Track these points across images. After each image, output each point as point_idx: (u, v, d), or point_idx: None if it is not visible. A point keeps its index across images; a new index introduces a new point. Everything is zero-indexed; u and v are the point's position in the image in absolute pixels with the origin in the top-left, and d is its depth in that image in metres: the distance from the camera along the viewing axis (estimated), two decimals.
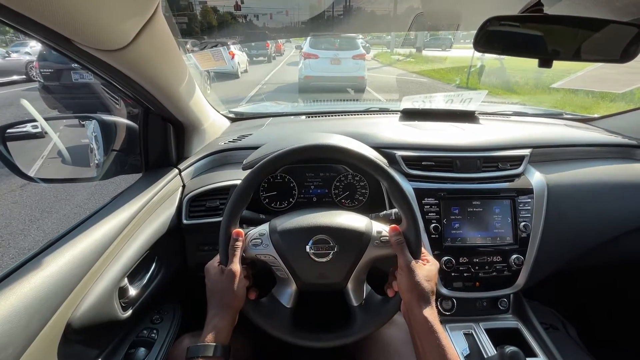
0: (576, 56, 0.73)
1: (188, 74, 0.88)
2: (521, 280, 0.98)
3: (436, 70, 11.18)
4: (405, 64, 14.89)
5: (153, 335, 0.81)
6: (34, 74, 9.62)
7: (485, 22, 0.65)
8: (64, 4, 0.42)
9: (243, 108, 1.65)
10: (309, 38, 7.76)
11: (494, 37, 0.68)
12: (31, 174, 0.85)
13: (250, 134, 1.18)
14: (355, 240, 0.67)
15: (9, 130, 0.82)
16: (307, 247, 0.65)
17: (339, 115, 1.47)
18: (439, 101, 1.63)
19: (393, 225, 0.68)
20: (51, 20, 0.45)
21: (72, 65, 4.75)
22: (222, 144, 1.12)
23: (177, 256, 0.96)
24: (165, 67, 0.76)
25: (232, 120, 1.42)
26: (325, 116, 1.45)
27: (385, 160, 1.00)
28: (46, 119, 0.90)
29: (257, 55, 15.44)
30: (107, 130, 0.93)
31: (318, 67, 7.08)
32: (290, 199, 1.05)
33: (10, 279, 0.52)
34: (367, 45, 21.58)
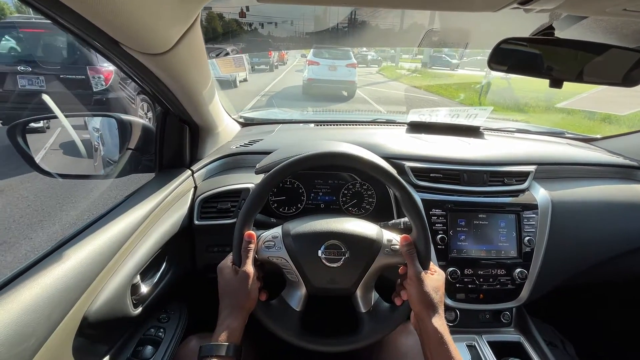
0: (580, 78, 0.76)
1: (212, 79, 0.91)
2: (524, 294, 0.99)
3: (444, 88, 11.03)
4: (412, 79, 14.67)
5: (160, 334, 0.82)
6: None
7: (500, 42, 0.68)
8: (119, 8, 0.45)
9: (253, 114, 1.68)
10: (312, 49, 9.61)
11: (508, 56, 0.71)
12: (48, 168, 0.87)
13: (262, 139, 1.20)
14: (367, 247, 0.68)
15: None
16: (319, 252, 0.67)
17: (346, 125, 1.49)
18: (444, 115, 1.67)
19: (404, 235, 0.69)
20: (104, 22, 0.47)
21: (19, 68, 4.14)
22: (234, 147, 1.14)
23: (187, 256, 0.97)
24: (196, 72, 0.79)
25: (243, 125, 1.45)
26: (333, 125, 1.48)
27: (395, 171, 1.02)
28: (66, 116, 0.92)
29: (258, 63, 15.33)
30: (124, 129, 0.95)
31: (319, 72, 9.01)
32: (299, 205, 1.06)
33: (34, 270, 0.53)
34: (379, 58, 21.56)
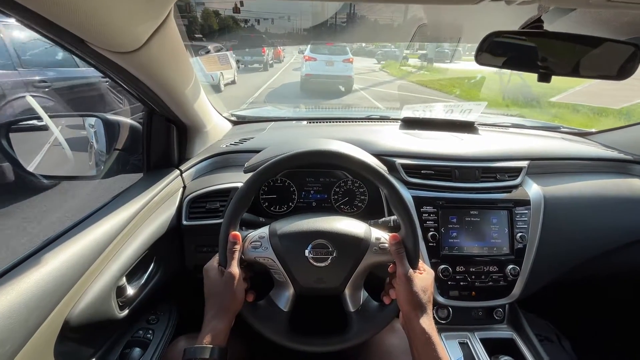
0: (574, 72, 0.75)
1: (195, 77, 0.89)
2: (517, 290, 0.98)
3: (456, 85, 9.95)
4: (420, 77, 12.86)
5: (149, 335, 0.81)
6: None
7: (486, 36, 0.67)
8: (81, 6, 0.43)
9: (245, 112, 1.66)
10: (309, 45, 9.84)
11: (495, 50, 0.70)
12: (32, 169, 0.86)
13: (252, 138, 1.19)
14: (354, 246, 0.67)
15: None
16: (306, 252, 0.66)
17: (339, 122, 1.48)
18: (439, 111, 1.65)
19: (393, 234, 0.68)
20: (67, 22, 0.46)
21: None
22: (224, 146, 1.13)
23: (176, 257, 0.96)
24: (174, 70, 0.77)
25: (234, 123, 1.43)
26: (327, 122, 1.47)
27: (385, 168, 1.01)
28: (50, 116, 0.91)
29: (251, 62, 13.95)
30: (110, 130, 0.93)
31: (316, 67, 9.11)
32: (290, 203, 1.06)
33: (10, 275, 0.53)
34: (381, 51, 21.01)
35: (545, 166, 1.15)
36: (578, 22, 0.75)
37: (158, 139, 0.95)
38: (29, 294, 0.51)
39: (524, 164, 1.08)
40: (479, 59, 0.71)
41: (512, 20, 0.72)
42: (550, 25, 0.69)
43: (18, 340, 0.49)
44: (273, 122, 1.45)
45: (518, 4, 0.50)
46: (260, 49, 13.86)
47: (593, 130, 1.53)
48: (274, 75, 12.62)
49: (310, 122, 1.45)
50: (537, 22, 0.66)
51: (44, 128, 0.94)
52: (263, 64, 14.23)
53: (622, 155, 1.24)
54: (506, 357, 0.72)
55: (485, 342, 0.95)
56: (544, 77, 0.69)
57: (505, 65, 0.73)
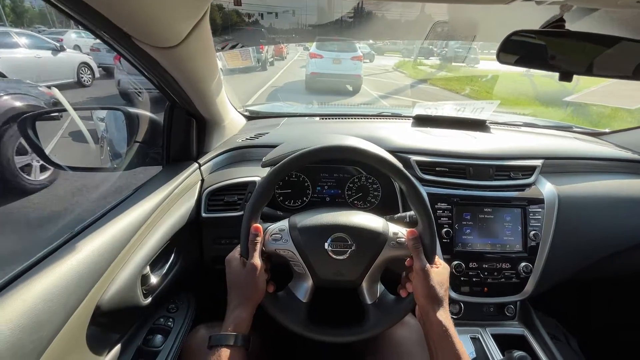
0: (594, 71, 0.75)
1: (219, 72, 0.91)
2: (529, 287, 0.99)
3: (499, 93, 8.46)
4: (449, 82, 10.56)
5: (169, 323, 0.84)
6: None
7: (509, 35, 0.67)
8: (130, 2, 0.45)
9: (258, 107, 1.67)
10: (315, 41, 9.06)
11: (517, 49, 0.70)
12: (58, 161, 0.88)
13: (267, 133, 1.20)
14: (373, 240, 0.69)
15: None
16: (326, 245, 0.67)
17: (352, 118, 1.49)
18: (450, 109, 1.65)
19: (411, 229, 0.69)
20: (116, 16, 0.47)
21: None
22: (240, 140, 1.15)
23: (195, 248, 0.98)
24: (204, 66, 0.79)
25: (248, 118, 1.45)
26: (339, 118, 1.48)
27: (401, 164, 1.02)
28: (75, 109, 0.93)
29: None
30: (131, 122, 0.95)
31: (322, 65, 8.41)
32: (304, 198, 1.07)
33: (49, 260, 0.55)
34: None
35: (559, 165, 1.15)
36: (600, 22, 0.75)
37: (178, 132, 0.97)
38: (68, 278, 0.53)
39: (538, 162, 1.09)
40: (501, 57, 0.71)
41: (532, 18, 0.72)
42: (572, 25, 0.70)
43: (57, 322, 0.51)
44: (286, 118, 1.47)
45: (548, 4, 0.50)
46: (258, 46, 11.68)
47: (607, 130, 1.52)
48: (273, 76, 10.86)
49: (322, 118, 1.46)
50: (559, 22, 0.66)
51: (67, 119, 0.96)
52: (261, 62, 12.33)
53: (636, 156, 1.24)
54: (519, 352, 0.73)
55: (496, 337, 0.96)
56: (566, 77, 0.70)
57: (526, 64, 0.74)
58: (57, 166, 0.86)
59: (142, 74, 0.72)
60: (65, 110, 0.89)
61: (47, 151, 0.85)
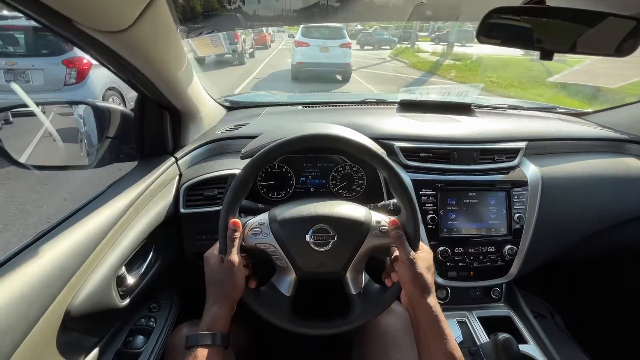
0: (573, 49, 0.74)
1: (187, 60, 0.86)
2: (514, 270, 1.00)
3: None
4: (464, 72, 9.30)
5: (151, 323, 0.82)
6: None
7: (488, 13, 0.65)
8: None
9: (238, 97, 1.62)
10: (300, 27, 8.28)
11: (496, 28, 0.68)
12: (22, 160, 0.83)
13: (247, 123, 1.17)
14: (355, 229, 0.67)
15: None
16: (307, 237, 0.66)
17: (335, 106, 1.46)
18: (435, 93, 1.64)
19: (393, 219, 0.68)
20: (54, 0, 0.43)
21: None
22: (219, 132, 1.11)
23: (175, 245, 0.95)
24: (165, 51, 0.74)
25: (228, 109, 1.40)
26: (322, 106, 1.44)
27: (384, 151, 1.00)
28: (37, 104, 0.87)
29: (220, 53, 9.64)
30: (101, 117, 0.90)
31: (309, 54, 7.90)
32: (288, 189, 1.05)
33: (6, 268, 0.51)
34: (393, 38, 18.45)
35: (542, 147, 1.15)
36: None
37: (151, 126, 0.92)
38: (28, 286, 0.50)
39: (522, 145, 1.08)
40: (481, 37, 0.69)
41: None
42: (553, 1, 0.68)
43: (19, 332, 0.48)
44: (268, 108, 1.42)
45: None
46: (233, 34, 9.26)
47: (589, 110, 1.53)
48: (253, 70, 9.46)
49: (305, 107, 1.43)
50: None
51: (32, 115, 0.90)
52: (238, 54, 10.26)
53: (617, 135, 1.25)
54: (504, 334, 0.73)
55: (483, 320, 0.97)
56: (546, 55, 0.68)
57: (507, 43, 0.72)
58: (21, 166, 0.81)
59: (101, 64, 0.67)
60: (26, 106, 0.84)
61: (9, 150, 0.80)
